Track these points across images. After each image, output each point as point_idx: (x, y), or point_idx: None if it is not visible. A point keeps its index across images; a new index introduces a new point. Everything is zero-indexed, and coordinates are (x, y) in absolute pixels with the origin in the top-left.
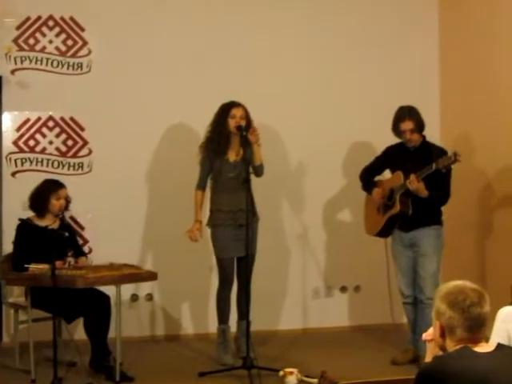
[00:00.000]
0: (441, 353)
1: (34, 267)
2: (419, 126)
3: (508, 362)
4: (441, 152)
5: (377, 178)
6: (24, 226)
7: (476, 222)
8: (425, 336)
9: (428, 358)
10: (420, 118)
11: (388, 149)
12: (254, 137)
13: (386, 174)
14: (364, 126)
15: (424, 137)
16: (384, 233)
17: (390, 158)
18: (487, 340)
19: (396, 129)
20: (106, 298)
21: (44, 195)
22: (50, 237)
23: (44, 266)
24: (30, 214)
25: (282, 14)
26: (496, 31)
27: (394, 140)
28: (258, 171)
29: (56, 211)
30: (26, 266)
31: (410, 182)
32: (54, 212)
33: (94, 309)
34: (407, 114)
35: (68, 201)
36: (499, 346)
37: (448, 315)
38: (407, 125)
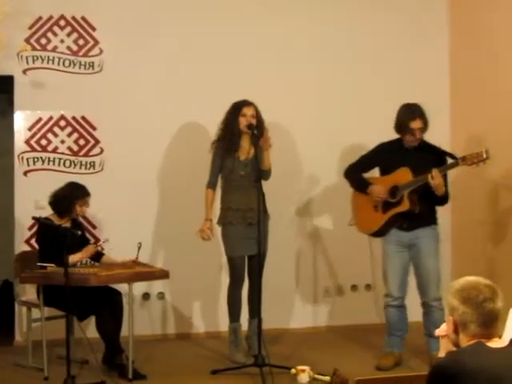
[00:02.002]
0: (454, 349)
1: (50, 266)
2: (427, 125)
3: None
4: (440, 152)
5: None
6: (45, 225)
7: (485, 219)
8: (438, 332)
9: (441, 354)
10: (426, 116)
11: (382, 146)
12: (265, 143)
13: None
14: (374, 128)
15: None
16: (382, 232)
17: (385, 155)
18: (500, 337)
19: (404, 126)
20: (118, 295)
21: (70, 200)
22: (63, 235)
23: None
24: (41, 212)
25: (295, 14)
26: (506, 33)
27: None
28: (265, 175)
29: (75, 216)
30: (44, 264)
31: (432, 176)
32: (73, 216)
33: (106, 306)
34: (419, 113)
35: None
36: None
37: (461, 311)
38: (418, 123)
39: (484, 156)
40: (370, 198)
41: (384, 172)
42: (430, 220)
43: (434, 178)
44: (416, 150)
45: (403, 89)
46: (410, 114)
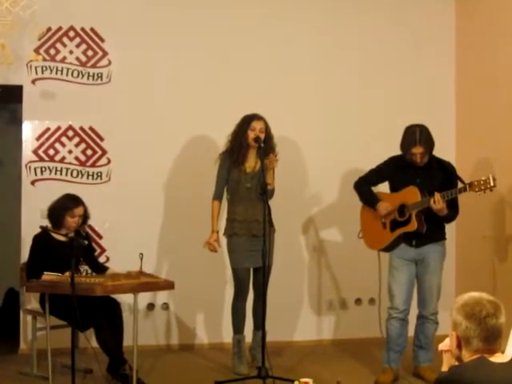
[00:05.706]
0: (457, 363)
1: (50, 274)
2: (430, 148)
3: None
4: (450, 167)
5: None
6: (42, 235)
7: (489, 235)
8: (441, 347)
9: (444, 368)
10: (431, 139)
11: (392, 160)
12: (271, 163)
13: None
14: (379, 145)
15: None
16: (389, 249)
17: (394, 170)
18: (503, 352)
19: (405, 150)
20: (116, 305)
21: (59, 212)
22: (69, 244)
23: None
24: (47, 222)
25: (304, 29)
26: None
27: None
28: (268, 194)
29: (71, 228)
30: (50, 273)
31: (435, 201)
32: (68, 228)
33: (105, 317)
34: (419, 139)
35: (86, 216)
36: None
37: (464, 326)
38: (418, 149)
39: (491, 184)
40: (378, 214)
41: (393, 187)
42: (439, 236)
43: (436, 202)
44: (425, 167)
45: (409, 106)
46: (411, 138)
